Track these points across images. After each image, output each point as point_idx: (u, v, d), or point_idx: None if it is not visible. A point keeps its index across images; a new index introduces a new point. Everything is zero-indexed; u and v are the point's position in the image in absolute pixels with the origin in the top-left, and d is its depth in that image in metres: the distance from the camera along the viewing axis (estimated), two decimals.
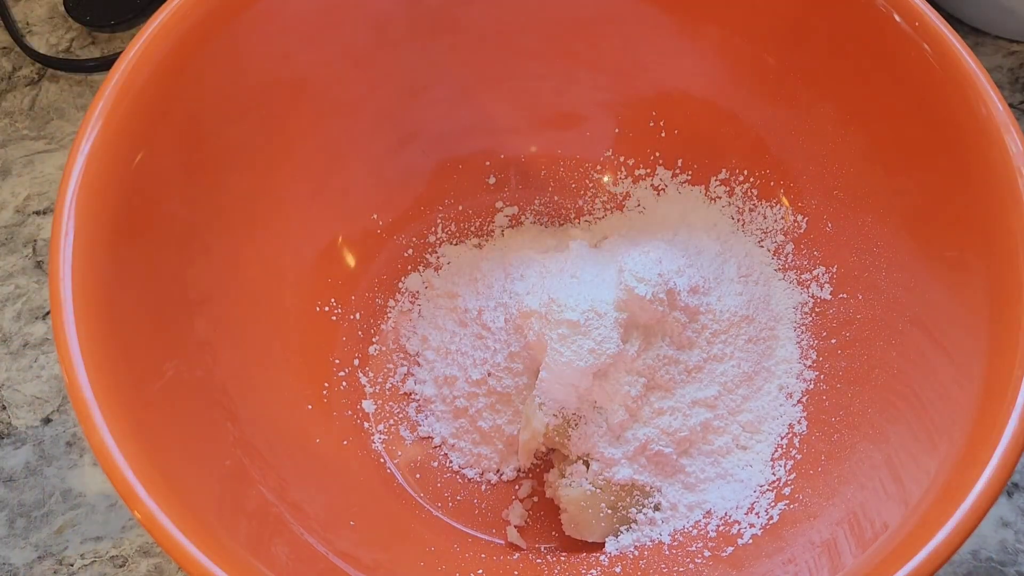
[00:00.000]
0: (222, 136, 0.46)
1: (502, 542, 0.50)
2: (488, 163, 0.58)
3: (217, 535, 0.36)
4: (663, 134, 0.56)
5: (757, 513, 0.46)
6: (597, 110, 0.56)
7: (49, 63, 0.66)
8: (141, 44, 0.42)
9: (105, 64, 0.66)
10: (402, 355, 0.55)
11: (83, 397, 0.35)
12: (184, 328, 0.42)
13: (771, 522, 0.46)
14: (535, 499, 0.51)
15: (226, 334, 0.46)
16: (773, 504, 0.46)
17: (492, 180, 0.58)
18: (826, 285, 0.51)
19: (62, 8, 0.68)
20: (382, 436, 0.52)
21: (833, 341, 0.50)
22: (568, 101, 0.56)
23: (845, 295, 0.50)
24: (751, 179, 0.54)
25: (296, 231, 0.52)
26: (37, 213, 0.62)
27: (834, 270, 0.51)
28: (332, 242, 0.54)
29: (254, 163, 0.49)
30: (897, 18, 0.45)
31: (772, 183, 0.54)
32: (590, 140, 0.57)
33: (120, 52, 0.65)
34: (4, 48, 0.68)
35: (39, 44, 0.68)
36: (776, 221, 0.54)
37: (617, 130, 0.56)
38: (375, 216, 0.56)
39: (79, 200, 0.37)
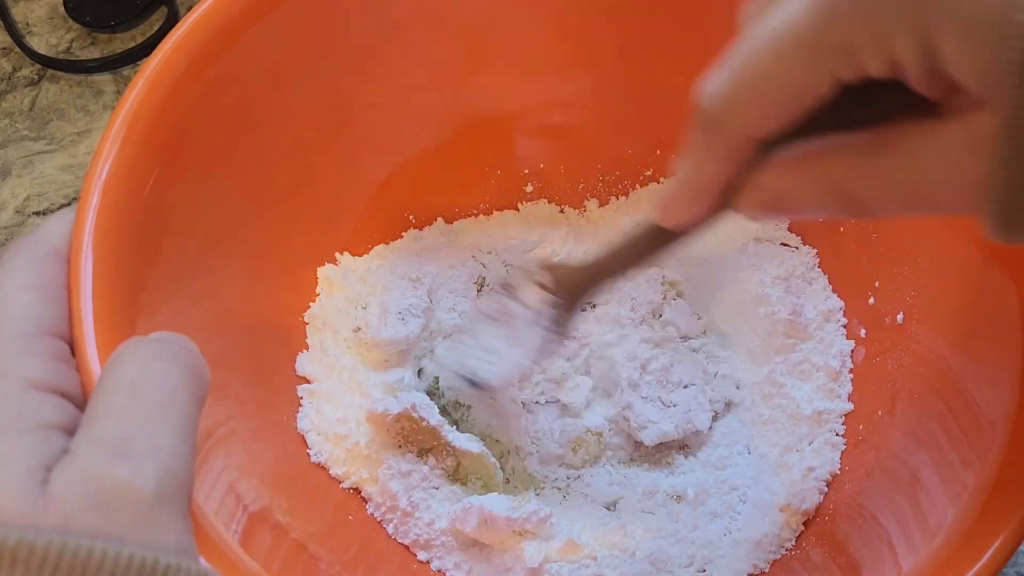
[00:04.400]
0: (235, 152, 0.47)
1: None
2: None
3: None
4: None
5: None
6: None
7: (49, 64, 0.66)
8: (156, 64, 0.42)
9: (105, 65, 0.66)
10: None
11: None
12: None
13: None
14: None
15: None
16: None
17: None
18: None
19: (62, 9, 0.67)
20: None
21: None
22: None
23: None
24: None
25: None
26: (37, 214, 0.62)
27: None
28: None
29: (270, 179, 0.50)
30: None
31: None
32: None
33: (120, 53, 0.65)
34: (4, 49, 0.68)
35: (39, 45, 0.67)
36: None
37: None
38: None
39: (96, 237, 0.37)
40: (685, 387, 0.53)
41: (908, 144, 0.30)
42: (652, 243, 0.39)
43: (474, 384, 0.47)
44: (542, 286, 0.45)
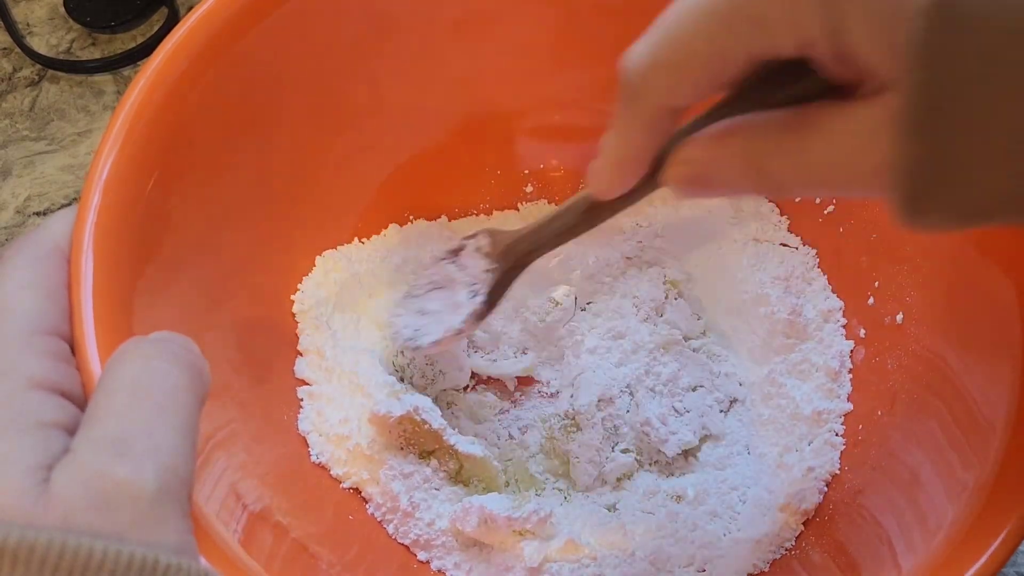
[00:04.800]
0: (236, 152, 0.47)
1: None
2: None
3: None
4: None
5: None
6: None
7: (49, 64, 0.66)
8: (157, 64, 0.42)
9: (106, 65, 0.66)
10: None
11: None
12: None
13: None
14: None
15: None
16: None
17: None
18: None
19: (62, 9, 0.67)
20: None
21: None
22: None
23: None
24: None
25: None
26: (37, 214, 0.62)
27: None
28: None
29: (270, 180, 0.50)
30: None
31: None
32: None
33: (120, 53, 0.65)
34: (4, 49, 0.68)
35: (39, 45, 0.68)
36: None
37: None
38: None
39: (97, 237, 0.37)
40: (694, 389, 0.53)
41: (821, 125, 0.30)
42: (587, 213, 0.41)
43: (413, 346, 0.48)
44: (481, 251, 0.47)
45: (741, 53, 0.30)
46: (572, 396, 0.53)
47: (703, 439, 0.52)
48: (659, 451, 0.51)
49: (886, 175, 0.28)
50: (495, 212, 0.59)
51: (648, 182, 0.36)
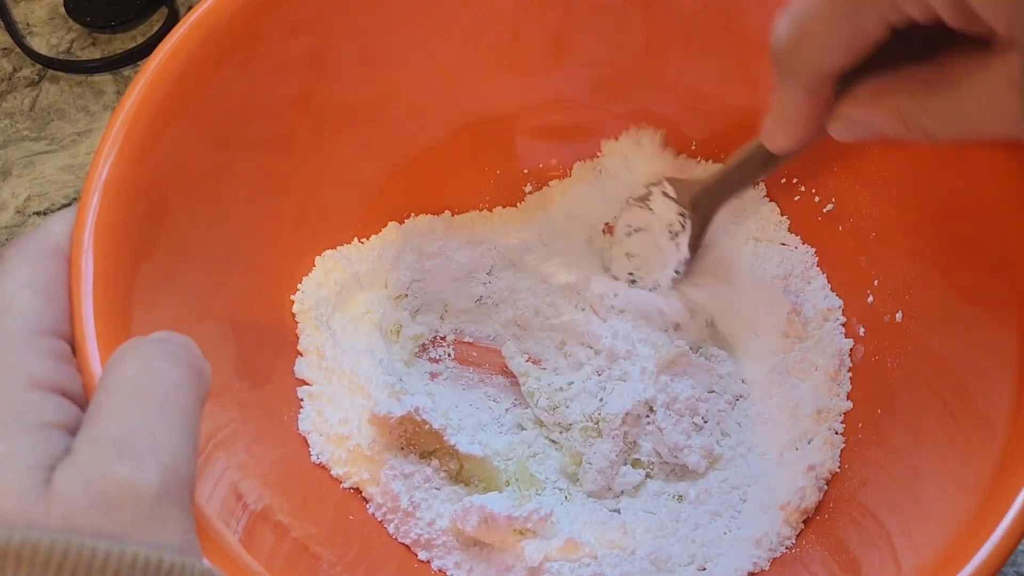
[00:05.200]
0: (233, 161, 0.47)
1: None
2: None
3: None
4: None
5: None
6: None
7: (49, 64, 0.66)
8: (157, 64, 0.42)
9: (106, 65, 0.66)
10: None
11: None
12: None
13: None
14: None
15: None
16: None
17: None
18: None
19: (62, 9, 0.67)
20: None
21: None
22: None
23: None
24: None
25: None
26: (38, 214, 0.62)
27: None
28: None
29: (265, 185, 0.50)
30: None
31: None
32: None
33: (120, 53, 0.65)
34: (4, 49, 0.68)
35: (39, 45, 0.68)
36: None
37: None
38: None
39: (97, 238, 0.37)
40: (705, 396, 0.53)
41: (962, 80, 0.34)
42: (762, 162, 0.46)
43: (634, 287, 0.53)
44: (668, 195, 0.51)
45: (876, 23, 0.34)
46: (602, 400, 0.53)
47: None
48: (681, 466, 0.51)
49: (1018, 124, 0.32)
50: (496, 208, 0.59)
51: (815, 132, 0.40)
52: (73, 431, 0.31)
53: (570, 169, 0.58)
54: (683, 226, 0.52)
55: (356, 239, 0.55)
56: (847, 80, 0.38)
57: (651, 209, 0.53)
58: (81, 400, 0.33)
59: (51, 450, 0.30)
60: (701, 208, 0.50)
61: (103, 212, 0.37)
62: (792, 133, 0.41)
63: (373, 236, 0.56)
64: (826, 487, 0.49)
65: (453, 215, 0.58)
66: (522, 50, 0.53)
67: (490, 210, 0.58)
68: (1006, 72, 0.32)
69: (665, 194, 0.52)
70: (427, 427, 0.49)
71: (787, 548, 0.48)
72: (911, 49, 0.35)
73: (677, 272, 0.52)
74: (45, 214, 0.62)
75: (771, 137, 0.42)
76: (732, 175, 0.48)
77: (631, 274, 0.54)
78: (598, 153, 0.58)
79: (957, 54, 0.34)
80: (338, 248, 0.55)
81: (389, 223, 0.56)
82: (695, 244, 0.51)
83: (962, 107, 0.34)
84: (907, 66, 0.36)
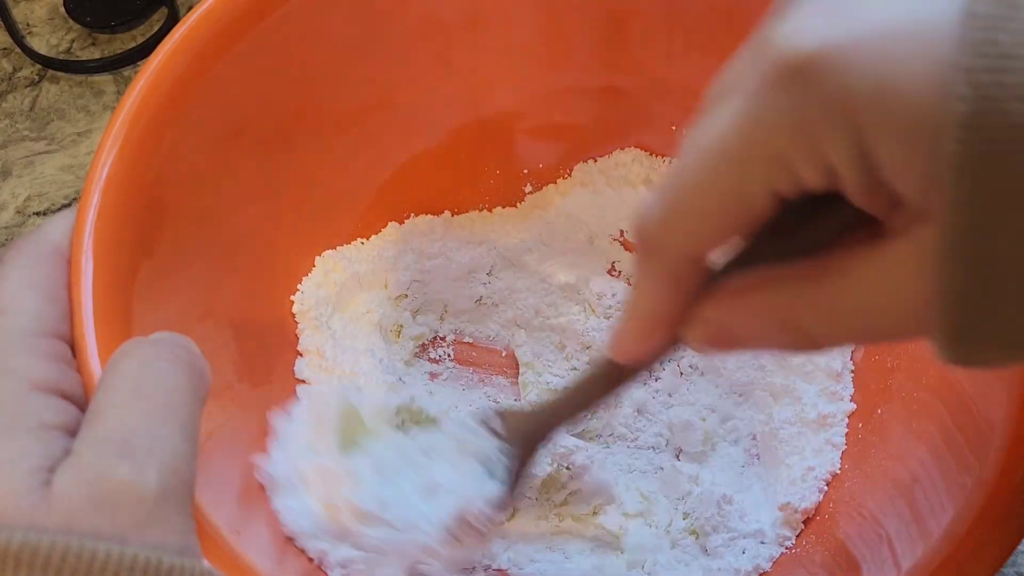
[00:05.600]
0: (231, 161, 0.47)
1: None
2: None
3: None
4: None
5: None
6: None
7: (49, 64, 0.66)
8: (156, 64, 0.42)
9: (106, 65, 0.66)
10: None
11: None
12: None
13: None
14: None
15: None
16: None
17: None
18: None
19: (62, 9, 0.67)
20: None
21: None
22: None
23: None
24: None
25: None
26: (37, 214, 0.62)
27: None
28: None
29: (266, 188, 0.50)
30: None
31: None
32: None
33: (121, 53, 0.65)
34: (4, 49, 0.68)
35: (39, 45, 0.67)
36: None
37: None
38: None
39: (96, 238, 0.37)
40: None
41: (853, 269, 0.28)
42: (607, 381, 0.38)
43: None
44: (494, 432, 0.42)
45: (762, 192, 0.28)
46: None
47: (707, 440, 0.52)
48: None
49: (928, 314, 0.25)
50: (496, 208, 0.59)
51: (673, 340, 0.33)
52: (73, 432, 0.31)
53: (571, 170, 0.58)
54: (503, 466, 0.42)
55: (356, 239, 0.55)
56: (711, 279, 0.31)
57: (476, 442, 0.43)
58: (80, 401, 0.33)
59: (51, 451, 0.30)
60: (530, 441, 0.41)
61: (103, 213, 0.37)
62: (651, 337, 0.33)
63: (373, 236, 0.56)
64: (826, 488, 0.49)
65: (453, 215, 0.58)
66: (523, 50, 0.53)
67: (490, 210, 0.58)
68: (912, 250, 0.26)
69: (492, 430, 0.42)
70: (424, 415, 0.49)
71: (787, 548, 0.48)
72: (789, 243, 0.30)
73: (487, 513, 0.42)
74: (45, 214, 0.62)
75: (622, 344, 0.34)
76: (572, 399, 0.39)
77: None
78: (599, 154, 0.58)
79: (845, 246, 0.28)
80: (338, 248, 0.55)
81: (389, 223, 0.56)
82: (517, 482, 0.42)
83: (856, 301, 0.28)
84: (782, 263, 0.30)
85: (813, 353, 0.29)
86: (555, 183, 0.58)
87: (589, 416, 0.42)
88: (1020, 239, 0.23)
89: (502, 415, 0.42)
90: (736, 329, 0.31)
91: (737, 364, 0.53)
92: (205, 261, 0.46)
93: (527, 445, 0.42)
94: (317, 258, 0.54)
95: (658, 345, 0.33)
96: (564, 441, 0.48)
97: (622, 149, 0.57)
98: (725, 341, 0.32)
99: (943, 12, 0.24)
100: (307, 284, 0.53)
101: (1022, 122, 0.23)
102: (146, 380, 0.31)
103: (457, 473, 0.42)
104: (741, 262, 0.31)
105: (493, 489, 0.41)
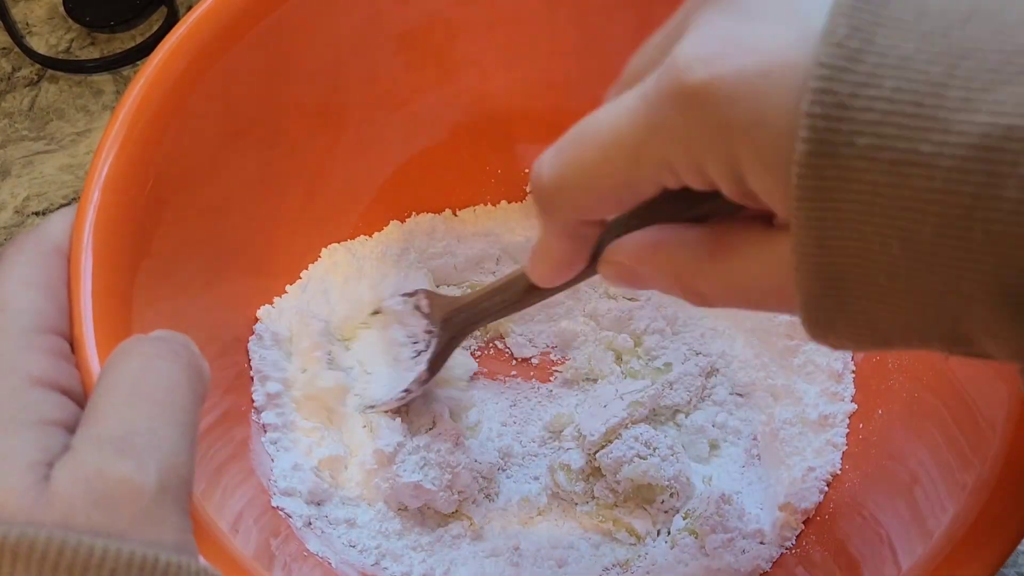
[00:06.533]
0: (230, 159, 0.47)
1: None
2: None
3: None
4: None
5: None
6: None
7: (49, 64, 0.66)
8: (157, 63, 0.42)
9: (105, 65, 0.66)
10: None
11: None
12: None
13: None
14: None
15: None
16: None
17: None
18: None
19: (62, 9, 0.67)
20: None
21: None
22: None
23: None
24: None
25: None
26: (36, 214, 0.62)
27: None
28: None
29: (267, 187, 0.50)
30: None
31: None
32: None
33: (120, 53, 0.65)
34: (4, 49, 0.68)
35: (39, 45, 0.67)
36: None
37: None
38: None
39: (96, 236, 0.37)
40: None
41: (739, 250, 0.31)
42: (525, 292, 0.41)
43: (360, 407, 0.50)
44: (421, 310, 0.48)
45: (650, 185, 0.31)
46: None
47: (712, 445, 0.52)
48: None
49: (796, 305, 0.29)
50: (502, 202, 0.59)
51: (586, 270, 0.37)
52: (72, 428, 0.31)
53: None
54: (427, 344, 0.48)
55: (359, 237, 0.56)
56: (625, 223, 0.35)
57: (400, 320, 0.50)
58: (80, 398, 0.33)
59: (50, 447, 0.30)
60: (451, 328, 0.47)
61: (103, 210, 0.37)
62: (554, 273, 0.37)
63: (376, 234, 0.56)
64: (827, 488, 0.49)
65: (455, 213, 0.58)
66: (525, 48, 0.53)
67: (494, 204, 0.59)
68: (783, 248, 0.29)
69: (418, 308, 0.48)
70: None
71: (787, 549, 0.48)
72: (689, 208, 0.33)
73: (407, 391, 0.48)
74: (44, 214, 0.62)
75: (533, 271, 0.38)
76: (491, 298, 0.43)
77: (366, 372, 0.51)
78: None
79: (735, 225, 0.32)
80: (343, 243, 0.55)
81: (391, 222, 0.56)
82: (435, 364, 0.47)
83: (741, 279, 0.31)
84: (691, 224, 0.33)
85: (704, 306, 0.34)
86: None
87: (504, 316, 0.46)
88: (852, 257, 0.27)
89: (429, 297, 0.48)
90: (642, 275, 0.35)
91: (739, 365, 0.53)
92: (205, 260, 0.46)
93: (446, 327, 0.47)
94: (324, 250, 0.54)
95: (565, 276, 0.37)
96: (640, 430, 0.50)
97: None
98: (631, 282, 0.36)
99: (807, 54, 0.26)
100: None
101: (849, 164, 0.26)
102: (146, 378, 0.31)
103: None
104: (653, 210, 0.33)
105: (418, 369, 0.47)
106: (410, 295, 0.49)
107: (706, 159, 0.29)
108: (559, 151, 0.33)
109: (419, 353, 0.48)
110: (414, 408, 0.50)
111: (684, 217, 0.33)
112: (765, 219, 0.31)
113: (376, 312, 0.51)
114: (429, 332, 0.47)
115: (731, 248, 0.32)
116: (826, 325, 0.29)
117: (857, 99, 0.26)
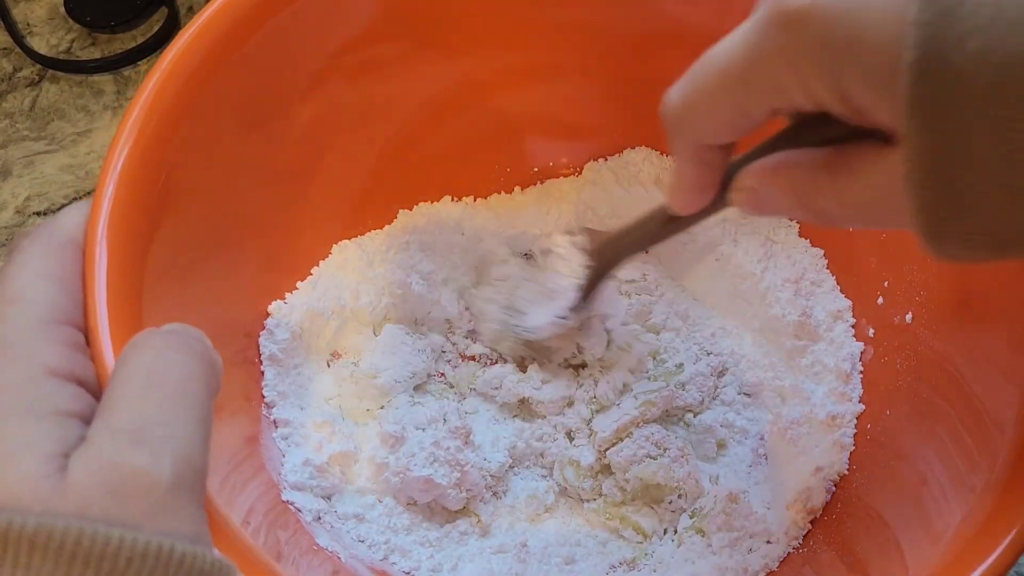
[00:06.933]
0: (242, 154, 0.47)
1: None
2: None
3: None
4: None
5: None
6: None
7: (49, 64, 0.66)
8: (171, 58, 0.42)
9: (106, 65, 0.66)
10: None
11: None
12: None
13: None
14: None
15: None
16: None
17: None
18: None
19: (62, 9, 0.67)
20: None
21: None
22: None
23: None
24: None
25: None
26: (37, 214, 0.62)
27: None
28: None
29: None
30: None
31: None
32: None
33: (120, 53, 0.65)
34: (4, 49, 0.67)
35: (39, 45, 0.67)
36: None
37: None
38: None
39: (110, 229, 0.37)
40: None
41: (855, 168, 0.33)
42: (667, 222, 0.43)
43: (518, 333, 0.52)
44: (578, 246, 0.50)
45: (763, 108, 0.33)
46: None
47: (719, 444, 0.52)
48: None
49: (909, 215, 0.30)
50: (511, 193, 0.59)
51: (720, 199, 0.39)
52: (87, 419, 0.31)
53: (581, 168, 0.59)
54: (584, 278, 0.50)
55: (369, 231, 0.56)
56: (756, 153, 0.37)
57: (556, 257, 0.52)
58: (94, 389, 0.33)
59: (66, 438, 0.30)
60: (604, 259, 0.49)
61: (117, 203, 0.37)
62: (688, 198, 0.39)
63: (387, 226, 0.56)
64: (834, 488, 0.49)
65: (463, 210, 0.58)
66: (532, 49, 0.53)
67: (509, 192, 0.59)
68: (895, 164, 0.30)
69: (574, 244, 0.51)
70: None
71: (794, 548, 0.48)
72: (819, 130, 0.34)
73: (563, 317, 0.51)
74: (45, 214, 0.62)
75: (670, 198, 0.40)
76: (638, 231, 0.46)
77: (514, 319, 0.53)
78: (610, 153, 0.58)
79: (853, 145, 0.33)
80: (354, 239, 0.55)
81: (397, 217, 0.56)
82: (588, 293, 0.50)
83: (855, 193, 0.33)
84: (812, 147, 0.35)
85: (828, 226, 0.35)
86: (567, 179, 0.59)
87: (649, 247, 0.49)
88: (965, 161, 0.28)
89: (589, 233, 0.50)
90: (769, 198, 0.37)
91: (748, 364, 0.54)
92: (216, 255, 0.46)
93: (603, 264, 0.49)
94: (335, 246, 0.54)
95: (699, 202, 0.39)
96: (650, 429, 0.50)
97: (633, 148, 0.58)
98: (759, 207, 0.37)
99: None
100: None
101: (959, 68, 0.27)
102: (160, 370, 0.31)
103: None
104: (778, 142, 0.36)
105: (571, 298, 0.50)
106: (571, 233, 0.51)
107: (812, 78, 0.30)
108: (684, 79, 0.35)
109: (578, 288, 0.50)
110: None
111: (816, 141, 0.34)
112: (881, 138, 0.31)
113: (526, 255, 0.56)
114: (586, 266, 0.50)
115: (847, 165, 0.33)
116: (940, 233, 0.29)
117: (963, 6, 0.26)
